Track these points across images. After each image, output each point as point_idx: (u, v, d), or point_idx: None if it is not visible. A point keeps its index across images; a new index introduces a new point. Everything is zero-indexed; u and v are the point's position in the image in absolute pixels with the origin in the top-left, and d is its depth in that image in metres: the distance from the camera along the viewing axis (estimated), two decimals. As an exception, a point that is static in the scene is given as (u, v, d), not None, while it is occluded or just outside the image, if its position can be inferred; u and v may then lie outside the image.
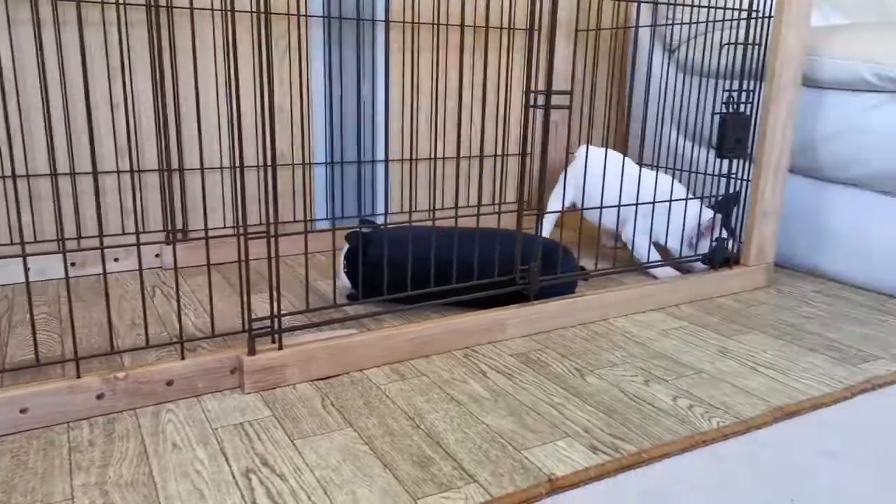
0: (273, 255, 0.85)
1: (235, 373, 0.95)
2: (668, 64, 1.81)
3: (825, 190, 1.52)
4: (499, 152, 1.90)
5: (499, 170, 1.91)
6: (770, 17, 1.36)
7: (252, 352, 0.94)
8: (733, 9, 1.48)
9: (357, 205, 1.75)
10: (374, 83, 1.70)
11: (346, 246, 1.29)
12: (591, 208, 1.35)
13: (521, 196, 1.15)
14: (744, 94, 1.34)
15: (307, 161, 1.66)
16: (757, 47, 1.36)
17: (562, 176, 1.65)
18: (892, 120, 1.36)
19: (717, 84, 1.56)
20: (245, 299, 0.91)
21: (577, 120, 2.01)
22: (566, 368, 1.05)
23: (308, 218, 1.70)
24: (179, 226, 1.53)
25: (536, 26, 1.80)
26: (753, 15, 1.34)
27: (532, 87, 1.10)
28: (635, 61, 1.50)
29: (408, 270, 1.17)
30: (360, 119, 1.69)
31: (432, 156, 1.81)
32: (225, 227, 1.59)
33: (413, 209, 1.81)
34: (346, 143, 1.70)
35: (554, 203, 1.62)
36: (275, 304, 0.94)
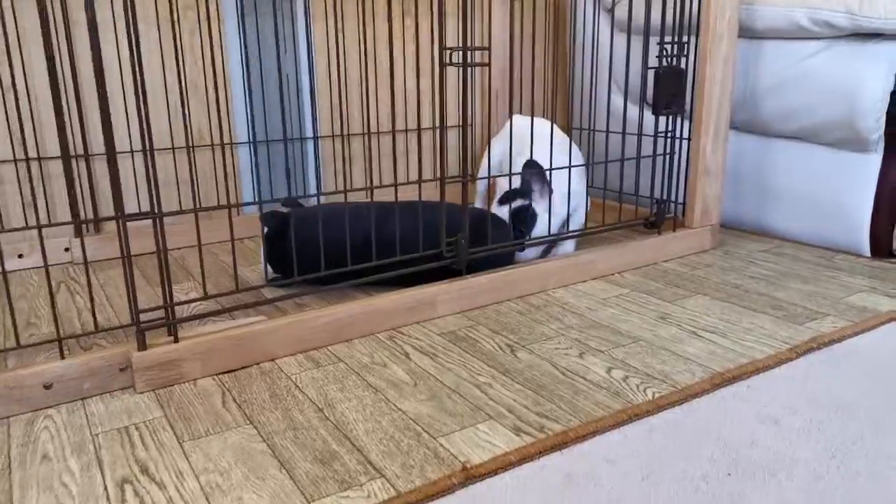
0: (160, 239, 0.76)
1: (126, 371, 0.85)
2: (611, 26, 1.74)
3: (769, 145, 1.47)
4: (437, 123, 1.81)
5: (439, 142, 1.82)
6: (703, -36, 1.29)
7: (142, 346, 0.85)
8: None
9: (287, 186, 1.65)
10: (296, 54, 1.59)
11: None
12: (498, 175, 1.27)
13: (443, 163, 1.07)
14: (677, 46, 1.27)
15: (228, 141, 1.55)
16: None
17: (488, 146, 1.57)
18: (832, 68, 1.31)
19: (656, 42, 1.49)
20: (130, 289, 0.82)
21: (517, 87, 1.93)
22: (496, 345, 0.98)
23: (235, 202, 1.60)
24: (91, 217, 1.42)
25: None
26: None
27: (445, 45, 1.01)
28: (574, 22, 1.43)
29: (328, 249, 1.09)
30: (282, 94, 1.59)
31: (365, 131, 1.71)
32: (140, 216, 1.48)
33: (349, 188, 1.72)
34: (271, 121, 1.60)
35: (481, 174, 1.54)
36: (167, 293, 0.84)
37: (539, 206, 1.27)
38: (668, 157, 1.35)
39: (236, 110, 1.56)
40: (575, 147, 1.38)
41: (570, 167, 1.24)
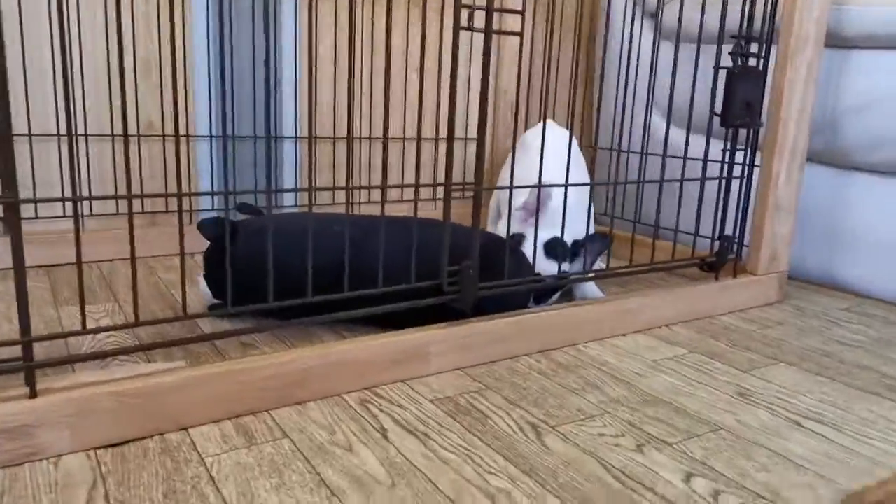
0: (16, 251, 0.45)
1: (-55, 440, 0.55)
2: (655, 32, 1.48)
3: (848, 179, 1.19)
4: (441, 133, 1.54)
5: (442, 153, 1.54)
6: (787, -54, 1.03)
7: (-29, 403, 0.54)
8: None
9: (254, 191, 1.35)
10: (277, 35, 1.32)
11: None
12: (500, 187, 0.98)
13: (450, 167, 0.78)
14: (753, 46, 1.01)
15: (185, 133, 1.26)
16: (771, -16, 1.02)
17: (508, 158, 1.29)
18: (943, 84, 1.04)
19: (716, 52, 1.22)
20: (22, 309, 0.53)
21: (536, 90, 1.66)
22: (515, 423, 0.68)
23: (190, 208, 1.30)
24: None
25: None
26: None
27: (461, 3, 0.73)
28: (608, 27, 1.16)
29: (287, 272, 0.79)
30: (255, 81, 1.31)
31: (360, 134, 1.43)
32: (66, 217, 1.19)
33: (332, 198, 1.43)
34: (240, 115, 1.31)
35: (497, 193, 1.25)
36: (24, 319, 0.55)
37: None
38: (740, 181, 1.07)
39: (197, 99, 1.27)
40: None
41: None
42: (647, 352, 0.89)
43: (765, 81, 1.02)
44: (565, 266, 0.99)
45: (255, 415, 0.66)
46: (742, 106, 0.97)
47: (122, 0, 1.16)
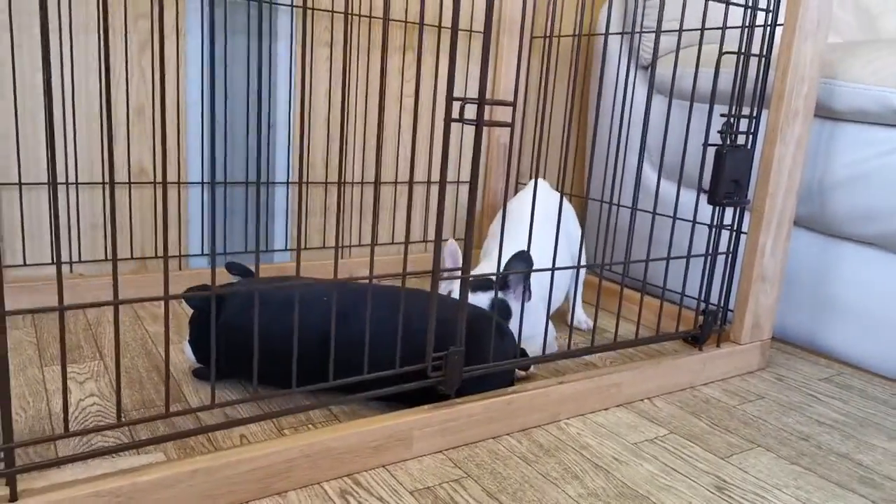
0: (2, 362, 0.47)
1: (-79, 547, 0.55)
2: (648, 86, 1.49)
3: (835, 248, 1.21)
4: (434, 178, 1.54)
5: (436, 201, 1.55)
6: (778, 24, 1.04)
7: (-52, 514, 0.55)
8: (731, 2, 1.16)
9: (244, 238, 1.36)
10: (271, 82, 1.32)
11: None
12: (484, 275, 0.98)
13: (438, 249, 0.79)
14: (744, 121, 1.02)
15: (174, 179, 1.27)
16: (761, 60, 1.04)
17: (495, 221, 1.29)
18: (929, 165, 1.05)
19: (708, 114, 1.24)
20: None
21: (528, 148, 1.67)
22: (492, 522, 0.69)
23: (179, 254, 1.31)
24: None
25: (468, 24, 1.46)
26: (757, 12, 1.02)
27: (457, 95, 0.74)
28: (602, 78, 1.17)
29: (272, 343, 0.80)
30: (248, 125, 1.32)
31: (344, 179, 1.44)
32: (54, 263, 1.19)
33: (306, 246, 1.43)
34: (232, 160, 1.32)
35: (486, 262, 1.16)
36: (6, 422, 0.55)
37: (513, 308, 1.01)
38: (726, 256, 1.08)
39: (189, 144, 1.27)
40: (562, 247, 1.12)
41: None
42: (627, 431, 0.90)
43: (753, 157, 1.03)
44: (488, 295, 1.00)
45: (235, 509, 0.67)
46: (730, 184, 0.99)
47: (112, 45, 1.16)
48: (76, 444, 0.76)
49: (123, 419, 0.81)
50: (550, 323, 1.11)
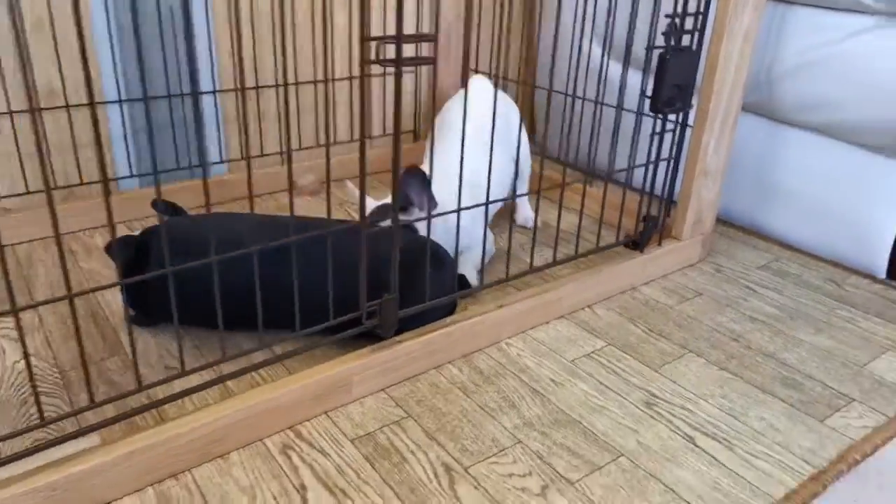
0: None
1: None
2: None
3: (780, 134, 1.19)
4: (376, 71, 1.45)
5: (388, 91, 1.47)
6: None
7: None
8: None
9: (174, 155, 1.29)
10: (180, -18, 1.19)
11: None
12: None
13: (363, 201, 0.76)
14: (690, 18, 0.95)
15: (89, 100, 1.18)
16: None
17: (437, 119, 1.24)
18: (886, 54, 1.01)
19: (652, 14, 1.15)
20: None
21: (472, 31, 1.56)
22: (430, 466, 0.72)
23: (105, 178, 1.24)
24: None
25: None
26: None
27: (369, 34, 0.67)
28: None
29: (206, 289, 0.79)
30: (161, 34, 1.21)
31: (281, 81, 1.35)
32: (-27, 203, 1.13)
33: (260, 153, 1.37)
34: (151, 73, 1.22)
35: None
36: None
37: (421, 226, 0.98)
38: (668, 162, 1.06)
39: (101, 59, 1.17)
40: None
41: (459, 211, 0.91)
42: (566, 347, 0.93)
43: (698, 60, 0.98)
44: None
45: (176, 478, 0.69)
46: (672, 90, 0.94)
47: (-7, -39, 1.03)
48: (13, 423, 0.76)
49: (61, 381, 0.81)
50: (489, 231, 1.10)
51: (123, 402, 0.76)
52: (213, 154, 1.34)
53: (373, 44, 0.68)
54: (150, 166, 1.27)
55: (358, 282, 0.78)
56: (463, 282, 0.95)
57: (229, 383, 0.82)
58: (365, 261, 0.77)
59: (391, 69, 0.65)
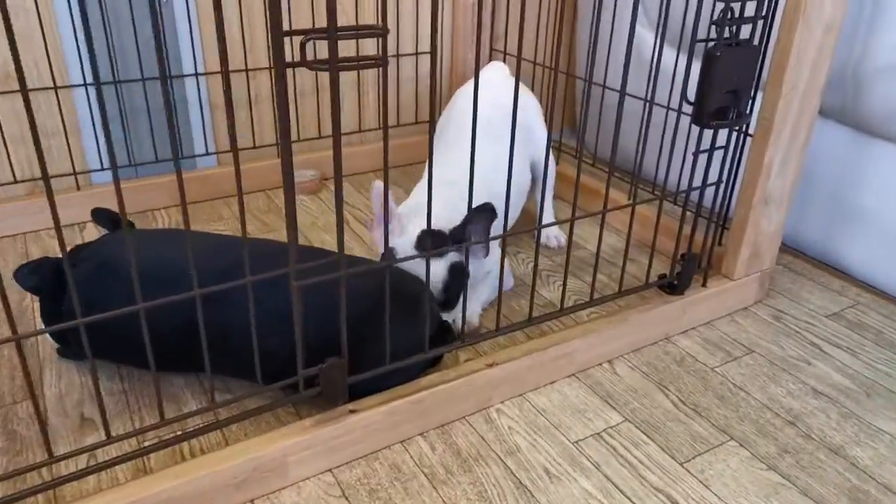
0: None
1: None
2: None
3: (865, 147, 0.95)
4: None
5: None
6: None
7: None
8: None
9: (152, 145, 1.15)
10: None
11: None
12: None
13: (341, 239, 0.58)
14: (750, 3, 0.73)
15: (56, 84, 1.04)
16: None
17: (444, 113, 1.04)
18: None
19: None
20: None
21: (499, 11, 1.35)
22: None
23: (75, 171, 1.11)
24: None
25: None
26: None
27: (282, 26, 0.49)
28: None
29: (131, 325, 0.64)
30: (132, 11, 1.05)
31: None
32: (-81, 198, 1.01)
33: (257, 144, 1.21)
34: (123, 55, 1.07)
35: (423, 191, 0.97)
36: None
37: (470, 268, 0.80)
38: (716, 186, 0.85)
39: (64, 38, 1.03)
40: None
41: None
42: (572, 421, 0.74)
43: (762, 58, 0.76)
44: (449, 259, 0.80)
45: None
46: (722, 97, 0.73)
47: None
48: None
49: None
50: (507, 261, 0.92)
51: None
52: (198, 145, 1.19)
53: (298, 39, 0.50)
54: (122, 159, 1.12)
55: (323, 327, 0.62)
56: (445, 329, 0.76)
57: (151, 455, 0.67)
58: (300, 312, 0.60)
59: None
